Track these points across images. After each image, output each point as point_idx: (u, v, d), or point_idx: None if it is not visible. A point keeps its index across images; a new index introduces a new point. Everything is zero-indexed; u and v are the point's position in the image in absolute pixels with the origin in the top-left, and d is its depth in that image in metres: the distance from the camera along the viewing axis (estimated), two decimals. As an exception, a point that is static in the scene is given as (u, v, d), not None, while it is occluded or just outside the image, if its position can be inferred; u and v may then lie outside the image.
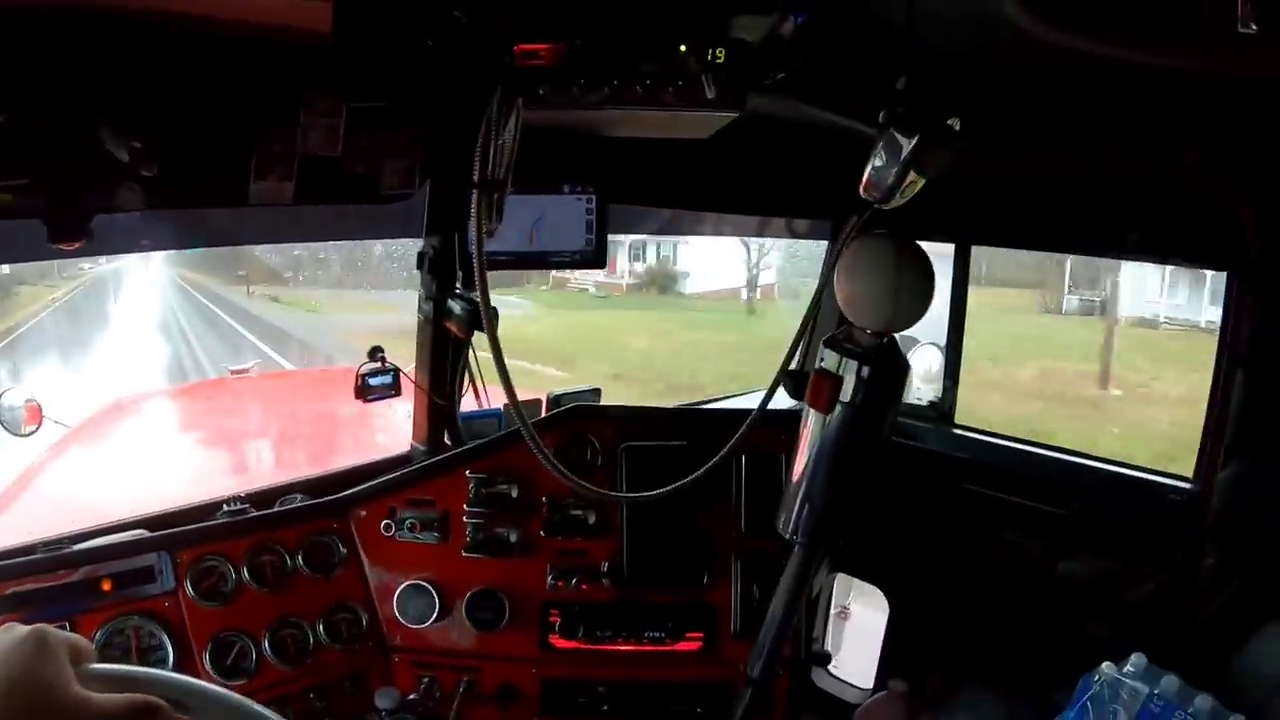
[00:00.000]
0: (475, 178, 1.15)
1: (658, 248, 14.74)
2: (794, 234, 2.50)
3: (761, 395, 2.59)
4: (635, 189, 1.85)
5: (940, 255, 1.59)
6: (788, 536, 1.52)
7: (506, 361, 1.22)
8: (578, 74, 1.18)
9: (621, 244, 12.41)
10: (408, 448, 2.02)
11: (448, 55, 1.21)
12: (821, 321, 2.51)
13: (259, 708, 0.82)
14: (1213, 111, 1.19)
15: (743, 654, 1.72)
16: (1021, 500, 2.10)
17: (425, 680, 1.71)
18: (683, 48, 1.18)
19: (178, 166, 1.30)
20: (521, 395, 2.15)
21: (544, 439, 1.74)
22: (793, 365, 2.44)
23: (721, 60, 1.18)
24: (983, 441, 2.34)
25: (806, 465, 1.50)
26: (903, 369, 1.48)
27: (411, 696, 1.67)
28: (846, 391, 1.43)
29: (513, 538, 1.72)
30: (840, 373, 1.43)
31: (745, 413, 2.17)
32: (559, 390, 2.11)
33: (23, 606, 1.49)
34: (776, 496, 1.78)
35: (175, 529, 1.65)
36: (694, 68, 1.19)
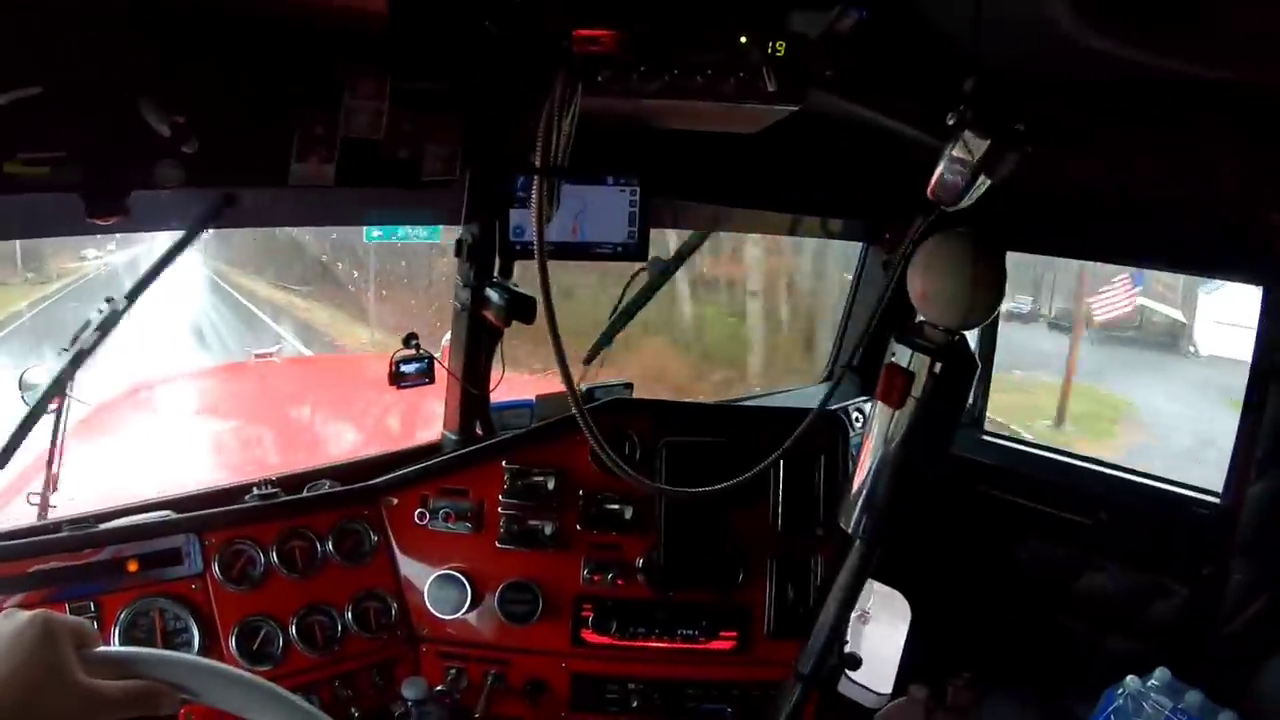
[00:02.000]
0: (538, 163, 1.13)
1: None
2: (828, 234, 2.50)
3: (800, 392, 2.63)
4: (677, 182, 1.81)
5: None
6: (850, 533, 1.50)
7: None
8: (637, 62, 1.16)
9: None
10: (438, 436, 1.98)
11: (506, 39, 1.18)
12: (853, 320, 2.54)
13: (264, 682, 0.78)
14: (1255, 127, 1.18)
15: (776, 654, 1.71)
16: (1047, 509, 2.10)
17: (453, 671, 1.70)
18: (743, 39, 1.16)
19: (218, 145, 1.28)
20: (550, 388, 2.12)
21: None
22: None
23: (782, 54, 1.17)
24: (1010, 448, 2.34)
25: (872, 463, 1.46)
26: (972, 366, 1.46)
27: (439, 688, 1.66)
28: (918, 387, 1.40)
29: (548, 530, 1.70)
30: (912, 368, 1.41)
31: (785, 410, 2.13)
32: (589, 384, 2.06)
33: (47, 584, 1.46)
34: (813, 498, 1.77)
35: (203, 511, 1.63)
36: (755, 60, 1.17)
